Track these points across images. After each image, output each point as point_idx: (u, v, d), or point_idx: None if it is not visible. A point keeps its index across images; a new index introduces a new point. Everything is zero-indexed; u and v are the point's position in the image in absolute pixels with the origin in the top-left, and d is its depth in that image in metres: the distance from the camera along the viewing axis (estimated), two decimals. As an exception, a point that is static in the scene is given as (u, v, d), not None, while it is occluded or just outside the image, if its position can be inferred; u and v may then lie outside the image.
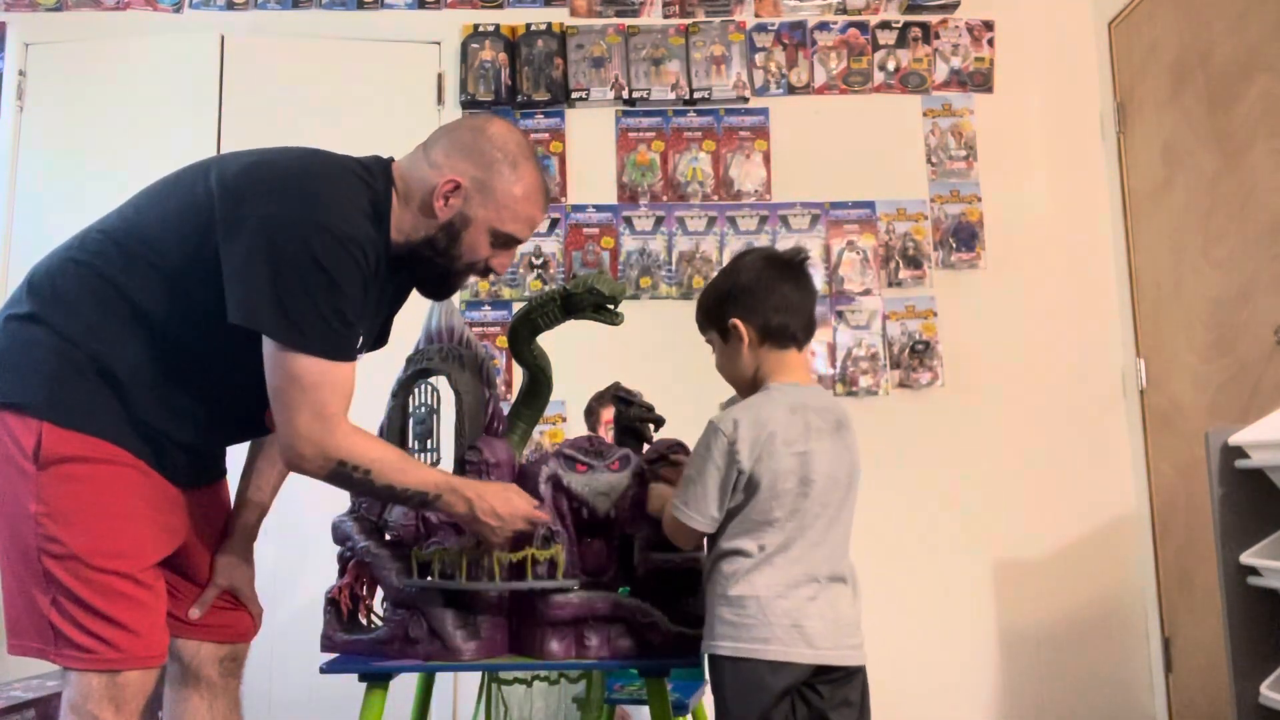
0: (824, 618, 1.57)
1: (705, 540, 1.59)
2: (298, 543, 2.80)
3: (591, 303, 1.68)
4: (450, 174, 1.55)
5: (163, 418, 1.52)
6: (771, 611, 1.50)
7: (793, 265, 1.61)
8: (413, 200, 1.57)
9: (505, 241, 1.61)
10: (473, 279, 1.79)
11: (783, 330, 1.57)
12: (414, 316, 1.81)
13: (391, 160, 1.62)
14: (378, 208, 1.54)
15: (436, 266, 1.61)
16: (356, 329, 1.50)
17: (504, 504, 1.54)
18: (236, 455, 1.76)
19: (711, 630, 1.52)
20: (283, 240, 1.42)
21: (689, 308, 3.15)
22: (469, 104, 3.29)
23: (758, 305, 1.57)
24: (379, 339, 1.76)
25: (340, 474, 1.47)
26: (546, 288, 3.18)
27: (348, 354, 1.48)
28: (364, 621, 1.70)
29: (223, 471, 1.75)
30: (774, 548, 1.53)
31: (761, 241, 3.26)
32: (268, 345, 1.45)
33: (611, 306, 1.70)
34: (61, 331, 1.48)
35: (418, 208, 1.57)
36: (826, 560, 1.62)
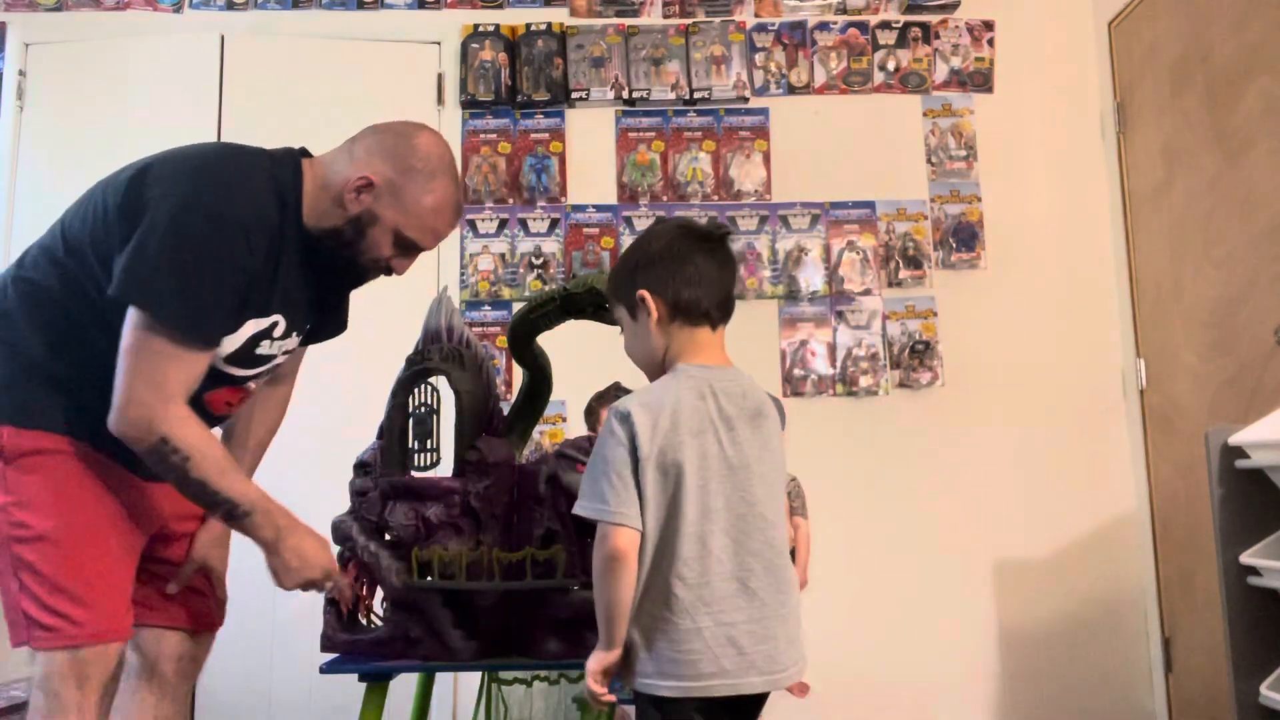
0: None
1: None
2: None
3: (591, 303, 1.69)
4: (366, 171, 1.60)
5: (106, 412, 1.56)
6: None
7: (711, 237, 1.48)
8: (330, 189, 1.63)
9: (407, 246, 1.65)
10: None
11: (694, 305, 1.43)
12: (414, 317, 1.81)
13: (304, 151, 1.68)
14: (282, 195, 1.59)
15: (342, 256, 1.65)
16: (222, 313, 1.53)
17: (311, 549, 1.57)
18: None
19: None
20: (162, 219, 1.47)
21: (689, 308, 3.19)
22: (469, 104, 3.29)
23: (668, 277, 1.43)
24: (328, 324, 1.81)
25: (159, 451, 1.50)
26: (546, 288, 3.19)
27: (203, 336, 1.52)
28: (364, 621, 1.70)
29: None
30: None
31: (762, 242, 3.26)
32: (129, 311, 1.49)
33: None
34: (12, 343, 1.58)
35: (332, 198, 1.62)
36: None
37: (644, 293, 1.43)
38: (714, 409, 1.39)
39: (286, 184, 1.60)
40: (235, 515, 1.55)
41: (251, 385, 1.71)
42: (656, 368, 1.46)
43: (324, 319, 1.79)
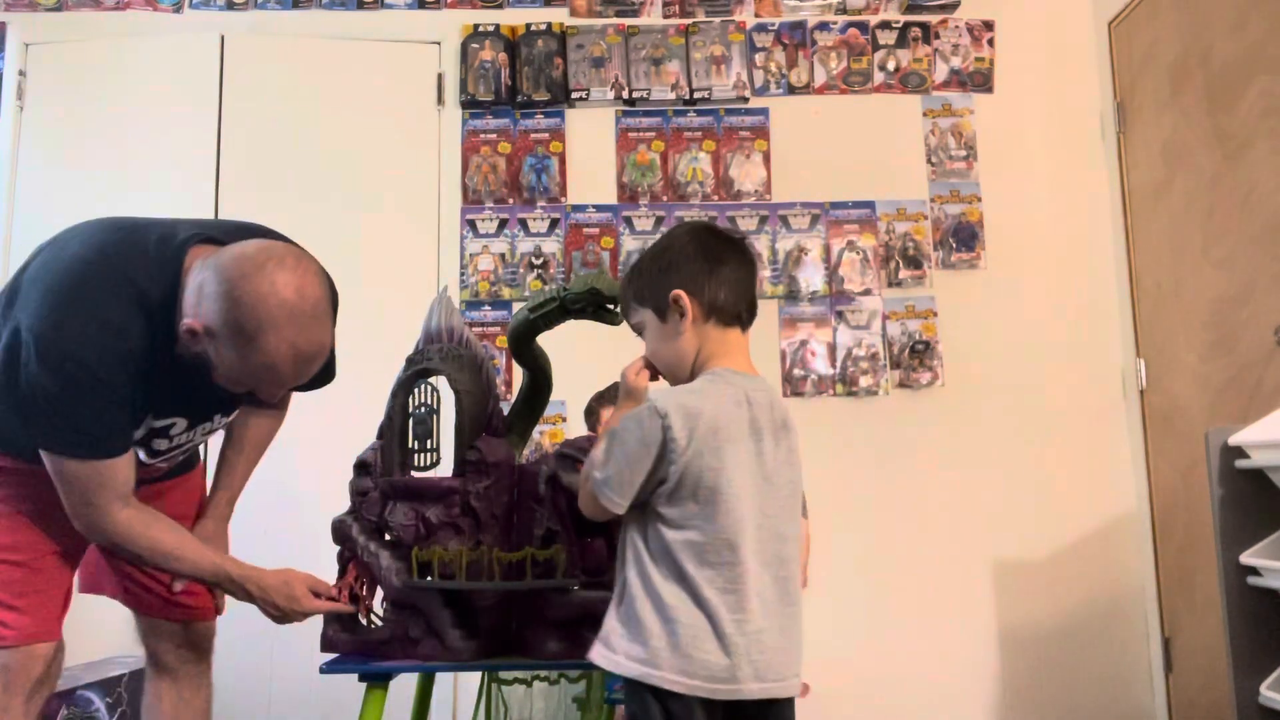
0: None
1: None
2: (297, 542, 2.80)
3: (592, 303, 1.69)
4: (193, 317, 1.51)
5: None
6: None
7: (735, 241, 1.48)
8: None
9: (255, 389, 1.58)
10: None
11: (728, 305, 1.43)
12: (414, 316, 1.81)
13: (193, 240, 1.59)
14: (148, 310, 1.54)
15: None
16: (118, 429, 1.57)
17: (284, 599, 1.67)
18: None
19: None
20: (33, 361, 1.51)
21: (689, 308, 3.19)
22: (469, 104, 3.29)
23: (703, 277, 1.42)
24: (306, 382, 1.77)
25: (117, 549, 1.65)
26: (546, 288, 3.19)
27: (107, 452, 1.56)
28: (364, 622, 1.70)
29: (191, 464, 1.92)
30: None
31: (762, 243, 3.26)
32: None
33: (612, 307, 1.69)
34: None
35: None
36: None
37: (679, 292, 1.42)
38: (749, 418, 1.40)
39: (154, 297, 1.54)
40: (205, 584, 1.72)
41: (162, 466, 1.78)
42: (686, 371, 1.45)
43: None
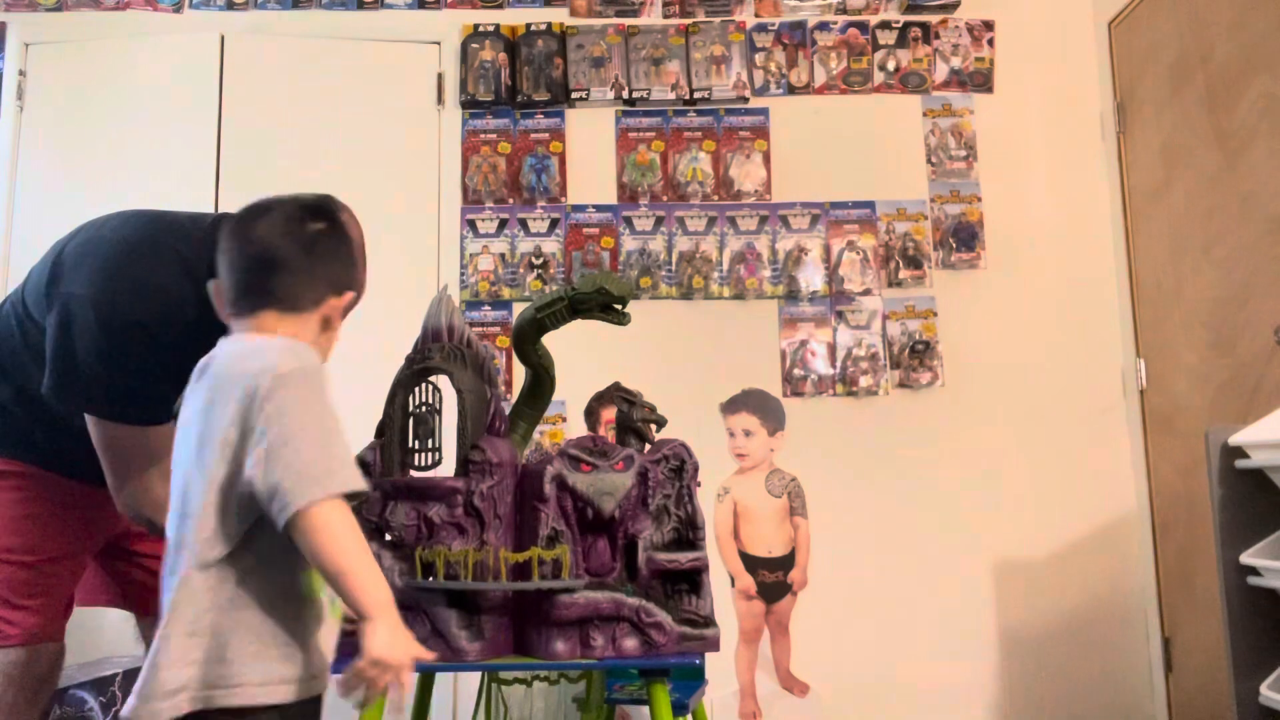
0: None
1: None
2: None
3: (599, 303, 1.68)
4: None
5: (52, 438, 1.73)
6: None
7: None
8: None
9: None
10: None
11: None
12: (414, 316, 1.81)
13: (225, 216, 1.64)
14: (193, 273, 1.60)
15: None
16: (160, 396, 1.58)
17: None
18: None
19: None
20: (80, 327, 1.57)
21: (689, 308, 3.21)
22: (469, 104, 3.29)
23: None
24: None
25: (154, 527, 1.66)
26: (549, 288, 3.19)
27: (151, 417, 1.62)
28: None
29: None
30: None
31: (762, 242, 3.26)
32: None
33: (619, 307, 1.69)
34: None
35: None
36: None
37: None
38: None
39: (198, 267, 1.60)
40: None
41: None
42: None
43: None
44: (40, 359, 1.63)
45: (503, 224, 3.25)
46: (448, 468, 1.68)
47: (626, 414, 1.77)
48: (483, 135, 3.29)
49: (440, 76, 3.32)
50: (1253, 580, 1.95)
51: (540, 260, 3.24)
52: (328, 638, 1.36)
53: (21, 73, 3.23)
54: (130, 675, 2.50)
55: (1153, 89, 3.07)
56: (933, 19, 3.39)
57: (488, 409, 1.70)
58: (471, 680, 2.73)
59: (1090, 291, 3.27)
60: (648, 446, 1.77)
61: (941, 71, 3.36)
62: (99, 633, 2.51)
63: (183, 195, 3.08)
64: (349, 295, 1.42)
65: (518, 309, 3.16)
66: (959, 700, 3.09)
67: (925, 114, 3.35)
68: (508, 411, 1.78)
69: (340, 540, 1.24)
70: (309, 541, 1.23)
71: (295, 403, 1.26)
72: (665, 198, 3.28)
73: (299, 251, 1.38)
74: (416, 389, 1.72)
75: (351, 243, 1.46)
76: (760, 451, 3.17)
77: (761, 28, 3.38)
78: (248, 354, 1.31)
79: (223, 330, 1.48)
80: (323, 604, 1.35)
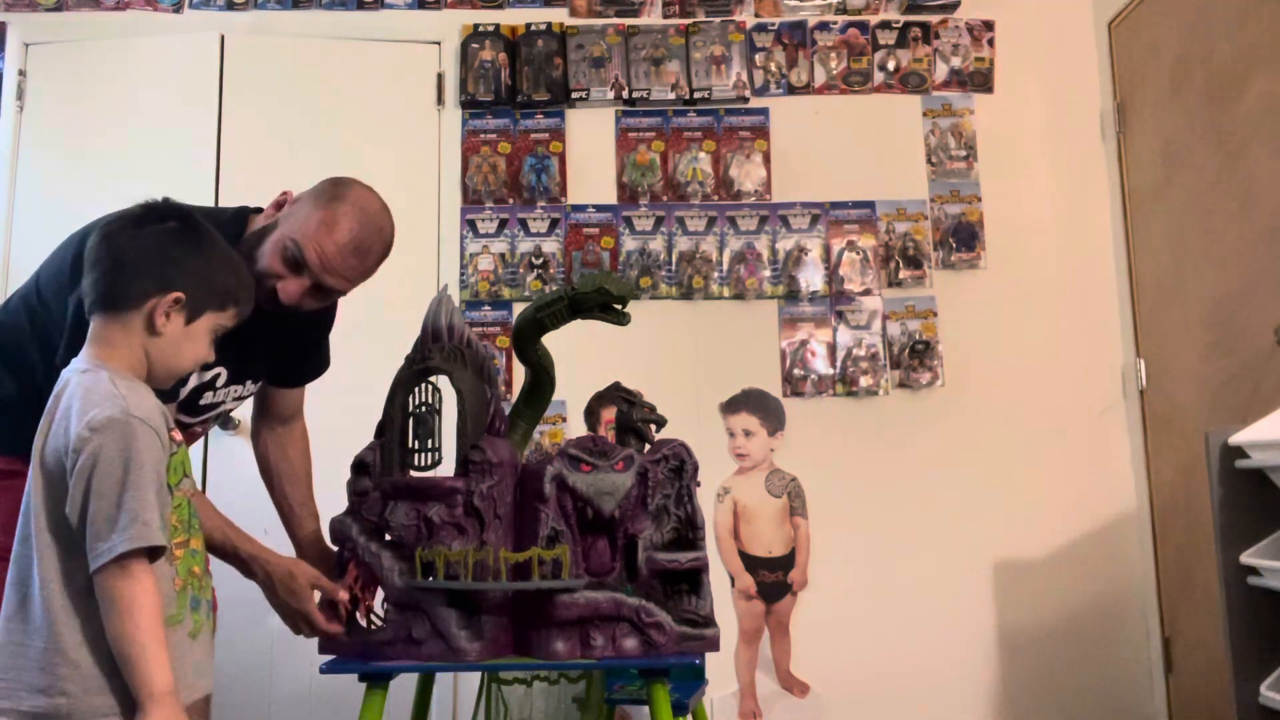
0: None
1: None
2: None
3: (600, 302, 1.68)
4: (287, 191, 1.77)
5: None
6: None
7: None
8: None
9: (293, 262, 1.69)
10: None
11: None
12: (414, 316, 1.81)
13: (247, 209, 1.83)
14: None
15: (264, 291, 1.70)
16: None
17: (285, 590, 1.70)
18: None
19: None
20: None
21: (689, 308, 3.21)
22: (469, 104, 3.29)
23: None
24: (304, 367, 1.98)
25: None
26: (549, 288, 3.19)
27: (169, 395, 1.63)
28: (362, 622, 1.70)
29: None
30: None
31: (762, 243, 3.26)
32: None
33: (619, 306, 1.69)
34: None
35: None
36: None
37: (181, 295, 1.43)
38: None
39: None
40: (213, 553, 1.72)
41: (199, 430, 1.87)
42: None
43: (291, 363, 1.94)
44: (46, 348, 1.62)
45: (503, 224, 3.25)
46: (448, 468, 1.68)
47: (626, 414, 1.77)
48: (483, 135, 3.29)
49: (440, 76, 3.32)
50: (1253, 580, 1.95)
51: (540, 260, 3.24)
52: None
53: (21, 73, 3.23)
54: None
55: (1153, 89, 3.07)
56: (933, 19, 3.39)
57: (488, 409, 1.69)
58: (471, 680, 2.73)
59: (1090, 291, 3.27)
60: (648, 446, 1.77)
61: (941, 71, 3.36)
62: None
63: (183, 195, 3.06)
64: (176, 296, 1.41)
65: (518, 309, 3.16)
66: (959, 700, 3.09)
67: (925, 114, 3.35)
68: (508, 411, 1.78)
69: (131, 618, 1.28)
70: (103, 611, 1.29)
71: (100, 457, 1.30)
72: (665, 198, 3.28)
73: (119, 247, 1.41)
74: (416, 389, 1.71)
75: (206, 249, 1.47)
76: (760, 451, 3.17)
77: (761, 28, 3.38)
78: (76, 395, 1.35)
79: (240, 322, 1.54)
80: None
